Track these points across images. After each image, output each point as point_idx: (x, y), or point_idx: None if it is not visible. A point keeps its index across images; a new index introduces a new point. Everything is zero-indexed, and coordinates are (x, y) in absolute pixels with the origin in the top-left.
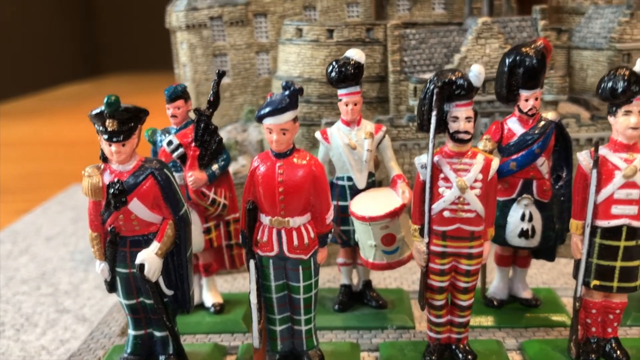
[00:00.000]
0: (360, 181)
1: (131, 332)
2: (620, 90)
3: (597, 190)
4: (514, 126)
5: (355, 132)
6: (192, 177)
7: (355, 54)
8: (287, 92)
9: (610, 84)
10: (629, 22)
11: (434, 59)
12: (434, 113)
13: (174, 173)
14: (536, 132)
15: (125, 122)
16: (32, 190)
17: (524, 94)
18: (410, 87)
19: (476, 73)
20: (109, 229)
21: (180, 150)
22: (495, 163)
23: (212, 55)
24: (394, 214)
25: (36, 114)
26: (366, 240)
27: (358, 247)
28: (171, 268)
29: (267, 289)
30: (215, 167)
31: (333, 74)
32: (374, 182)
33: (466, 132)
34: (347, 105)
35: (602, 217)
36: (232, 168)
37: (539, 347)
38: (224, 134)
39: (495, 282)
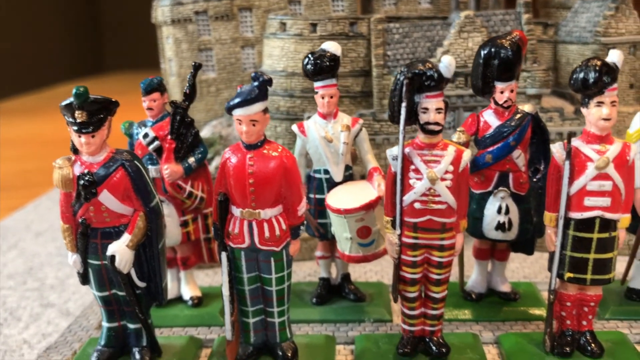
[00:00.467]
0: (337, 174)
1: (105, 324)
2: (591, 81)
3: (570, 182)
4: (490, 118)
5: (332, 125)
6: (168, 170)
7: (331, 47)
8: (256, 83)
9: (581, 75)
10: (613, 16)
11: (418, 53)
12: (403, 104)
13: (150, 166)
14: (512, 124)
15: (94, 113)
16: (28, 187)
17: (499, 86)
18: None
19: (446, 64)
20: (80, 220)
21: (156, 143)
22: (467, 155)
23: (198, 50)
24: (369, 207)
25: (36, 112)
26: (342, 232)
27: (336, 240)
28: (143, 260)
29: (239, 281)
30: (191, 160)
31: (309, 66)
32: (351, 175)
33: (436, 124)
34: (323, 97)
35: (575, 209)
36: (215, 162)
37: (514, 340)
38: (209, 128)
39: (473, 276)
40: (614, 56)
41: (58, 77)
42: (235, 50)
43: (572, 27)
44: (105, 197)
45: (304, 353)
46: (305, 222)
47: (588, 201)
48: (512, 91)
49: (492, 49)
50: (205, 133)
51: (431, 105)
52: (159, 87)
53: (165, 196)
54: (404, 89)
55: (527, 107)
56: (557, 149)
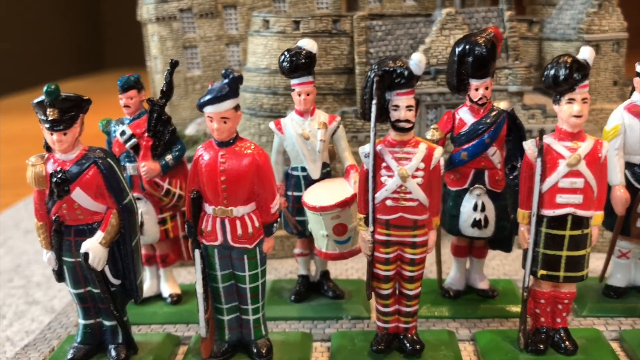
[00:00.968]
0: (314, 171)
1: (81, 321)
2: (562, 77)
3: (542, 179)
4: (465, 116)
5: (309, 122)
6: (145, 167)
7: (307, 44)
8: (226, 80)
9: (552, 72)
10: (597, 13)
11: (400, 50)
12: (374, 102)
13: (128, 163)
14: (487, 121)
15: (66, 111)
16: (20, 185)
17: (473, 83)
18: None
19: (416, 61)
20: (53, 218)
21: (133, 140)
22: (438, 152)
23: (183, 48)
24: (344, 204)
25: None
26: (318, 230)
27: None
28: (117, 257)
29: (213, 278)
30: (169, 157)
31: (285, 63)
32: (328, 173)
33: (407, 121)
34: (299, 95)
35: (547, 206)
36: None
37: (490, 337)
38: (194, 126)
39: (452, 273)
40: (585, 53)
41: (57, 75)
42: (220, 47)
43: (557, 24)
44: (78, 195)
45: (280, 350)
46: (278, 219)
47: (560, 198)
48: (486, 88)
49: (467, 46)
50: (190, 130)
51: (402, 103)
52: (136, 85)
53: (143, 194)
54: (374, 86)
55: (502, 105)
56: (529, 146)
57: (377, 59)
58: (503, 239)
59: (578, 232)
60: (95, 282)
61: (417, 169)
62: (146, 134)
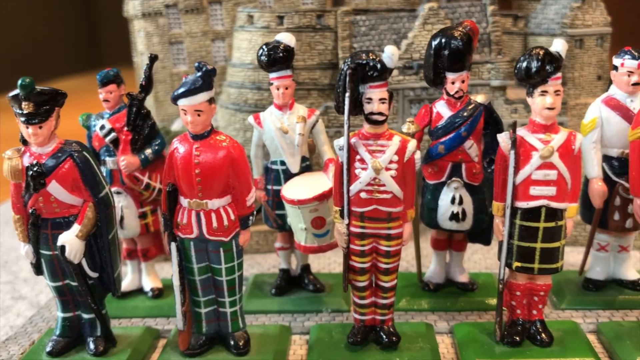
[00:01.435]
0: (293, 165)
1: (60, 314)
2: (534, 70)
3: (516, 172)
4: (442, 109)
5: (288, 116)
6: (124, 161)
7: (285, 38)
8: (199, 73)
9: (525, 64)
10: (580, 8)
11: (384, 45)
12: (347, 94)
13: (108, 158)
14: (464, 114)
15: (41, 104)
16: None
17: (450, 76)
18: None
19: (389, 54)
20: (30, 211)
21: (113, 134)
22: (412, 145)
23: (169, 43)
24: (322, 197)
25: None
26: (297, 223)
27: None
28: (95, 250)
29: (190, 271)
30: (148, 151)
31: (263, 57)
32: (308, 167)
33: (380, 114)
34: (278, 89)
35: (521, 198)
36: None
37: (467, 329)
38: (180, 122)
39: (431, 266)
40: (558, 45)
41: (55, 72)
42: (205, 43)
43: (542, 18)
44: (54, 188)
45: (257, 343)
46: (255, 212)
47: (533, 190)
48: (463, 82)
49: (443, 40)
50: (176, 126)
51: (375, 96)
52: (115, 79)
53: (123, 188)
54: (347, 79)
55: (479, 98)
56: (502, 139)
57: None
58: (482, 232)
59: (552, 224)
60: (73, 275)
61: (391, 162)
62: (125, 128)
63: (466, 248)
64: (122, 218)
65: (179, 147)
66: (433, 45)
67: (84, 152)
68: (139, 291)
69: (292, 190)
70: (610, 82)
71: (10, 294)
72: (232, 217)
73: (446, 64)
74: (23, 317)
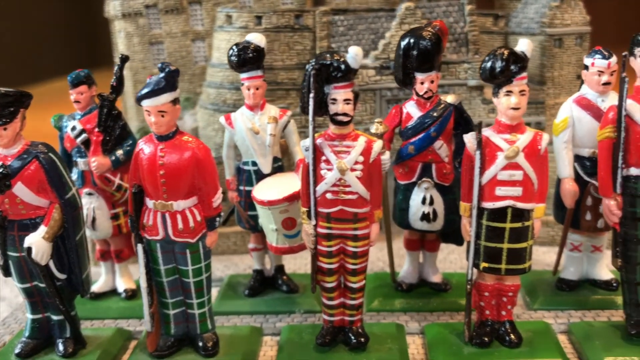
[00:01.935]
0: (265, 166)
1: (29, 315)
2: (498, 70)
3: (482, 172)
4: (412, 109)
5: (259, 116)
6: (95, 162)
7: (255, 38)
8: (162, 74)
9: (489, 64)
10: (559, 7)
11: (362, 45)
12: (311, 95)
13: (79, 159)
14: (434, 114)
15: (5, 106)
16: None
17: (419, 76)
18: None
19: (353, 55)
20: None
21: (84, 135)
22: (377, 145)
23: (149, 44)
24: (292, 198)
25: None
26: (268, 224)
27: None
28: (62, 252)
29: (157, 272)
30: (119, 152)
31: (233, 58)
32: (280, 167)
33: (345, 114)
34: (249, 89)
35: (487, 198)
36: None
37: (437, 330)
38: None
39: (405, 267)
40: (523, 45)
41: (52, 72)
42: (186, 43)
43: (522, 18)
44: (20, 190)
45: (227, 344)
46: (222, 214)
47: (499, 191)
48: (432, 82)
49: (411, 40)
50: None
51: (339, 96)
52: (86, 80)
53: (95, 189)
54: (312, 79)
55: (449, 98)
56: (469, 139)
57: None
58: (454, 233)
59: (518, 225)
60: (41, 276)
61: (356, 162)
62: (96, 129)
63: (439, 248)
64: (94, 219)
65: (144, 148)
66: (402, 46)
67: (50, 154)
68: (113, 292)
69: (263, 191)
70: (582, 82)
71: None
72: (198, 218)
73: (415, 64)
74: (0, 319)
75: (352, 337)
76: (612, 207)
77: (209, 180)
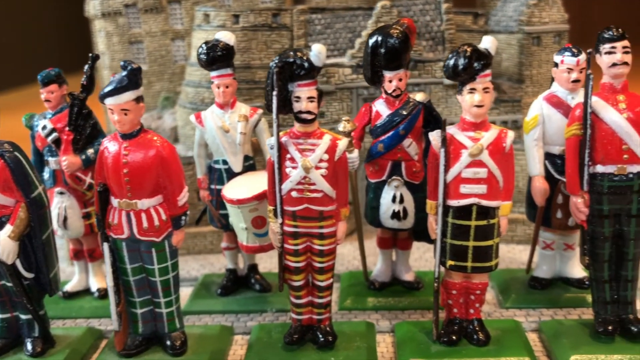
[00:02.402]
0: (236, 164)
1: None
2: (461, 67)
3: (446, 170)
4: (381, 108)
5: (229, 115)
6: (66, 161)
7: (224, 36)
8: (124, 72)
9: (452, 62)
10: (537, 5)
11: (339, 44)
12: (274, 93)
13: (50, 158)
14: (403, 112)
15: None
16: None
17: (387, 75)
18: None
19: (316, 52)
20: None
21: (54, 134)
22: (342, 143)
23: (129, 43)
24: (261, 197)
25: (18, 109)
26: (238, 223)
27: None
28: (29, 251)
29: (123, 271)
30: (90, 151)
31: (202, 56)
32: (252, 166)
33: (309, 112)
34: (218, 87)
35: (452, 196)
36: None
37: (407, 328)
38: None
39: (377, 265)
40: (487, 42)
41: (34, 74)
42: (165, 42)
43: (501, 16)
44: None
45: (196, 343)
46: (187, 212)
47: (464, 188)
48: (400, 80)
49: (379, 38)
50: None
51: (303, 94)
52: (57, 79)
53: (66, 188)
54: (274, 77)
55: (418, 96)
56: (434, 137)
57: None
58: (425, 231)
59: (484, 223)
60: (7, 275)
61: (321, 160)
62: (67, 128)
63: (412, 247)
64: (65, 218)
65: (108, 147)
66: (370, 44)
67: (15, 152)
68: (87, 291)
69: (233, 189)
70: (552, 80)
71: None
72: (164, 217)
73: (383, 63)
74: None
75: (320, 336)
76: (579, 204)
77: (174, 179)
